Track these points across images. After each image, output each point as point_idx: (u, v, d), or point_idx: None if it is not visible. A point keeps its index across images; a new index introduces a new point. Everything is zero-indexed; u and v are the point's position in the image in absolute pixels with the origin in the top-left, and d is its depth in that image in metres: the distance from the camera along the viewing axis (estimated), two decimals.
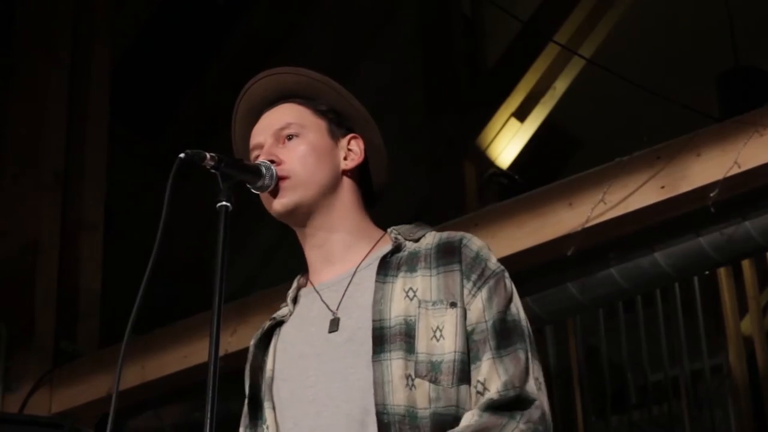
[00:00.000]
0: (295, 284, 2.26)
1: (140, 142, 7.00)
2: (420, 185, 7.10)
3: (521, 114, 6.91)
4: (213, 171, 2.09)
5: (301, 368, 2.11)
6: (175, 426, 5.08)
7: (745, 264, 5.44)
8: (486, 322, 2.05)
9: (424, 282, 2.09)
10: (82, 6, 5.74)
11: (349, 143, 2.25)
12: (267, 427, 2.14)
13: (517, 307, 2.11)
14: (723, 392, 5.67)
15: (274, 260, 7.35)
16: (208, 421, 1.93)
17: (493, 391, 1.99)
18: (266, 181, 2.16)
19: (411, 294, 2.08)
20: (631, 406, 6.02)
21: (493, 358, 2.02)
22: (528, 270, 4.06)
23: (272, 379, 2.15)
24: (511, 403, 1.99)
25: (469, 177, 6.80)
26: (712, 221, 3.95)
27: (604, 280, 4.21)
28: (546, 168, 7.21)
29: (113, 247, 5.67)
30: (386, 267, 2.12)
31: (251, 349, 2.24)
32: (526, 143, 7.04)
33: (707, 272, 5.09)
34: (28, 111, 5.47)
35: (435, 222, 4.66)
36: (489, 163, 6.87)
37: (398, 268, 2.12)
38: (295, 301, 2.23)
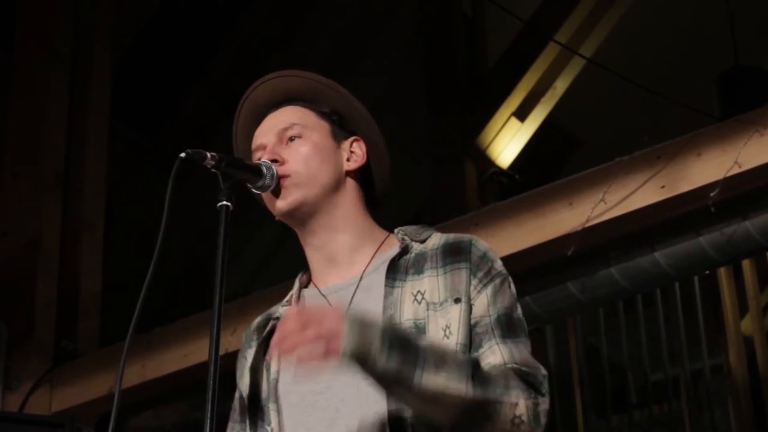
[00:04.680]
0: (296, 284, 2.25)
1: (141, 141, 7.00)
2: (420, 185, 7.10)
3: (522, 113, 6.90)
4: (213, 170, 2.09)
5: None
6: (176, 425, 5.08)
7: (746, 264, 5.44)
8: (490, 316, 2.07)
9: (431, 282, 2.10)
10: (82, 6, 5.73)
11: (351, 145, 2.25)
12: (271, 430, 2.13)
13: (521, 311, 2.13)
14: (723, 392, 5.66)
15: (274, 260, 7.35)
16: (209, 420, 1.94)
17: (510, 363, 2.02)
18: (267, 181, 2.15)
19: (419, 297, 2.09)
20: (631, 405, 6.02)
21: (497, 344, 2.04)
22: (528, 269, 4.06)
23: (276, 381, 2.15)
24: (527, 380, 2.01)
25: (470, 176, 6.79)
26: (712, 221, 3.95)
27: (605, 279, 4.22)
28: (546, 167, 7.21)
29: (113, 247, 5.67)
30: (395, 271, 2.12)
31: (249, 347, 2.22)
32: (527, 143, 7.04)
33: (707, 272, 5.09)
34: (28, 111, 5.47)
35: (436, 221, 4.66)
36: (489, 163, 6.87)
37: (406, 272, 2.12)
38: (298, 301, 2.22)
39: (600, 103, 7.56)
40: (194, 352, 4.64)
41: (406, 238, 2.19)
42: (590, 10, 6.82)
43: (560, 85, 6.93)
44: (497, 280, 2.11)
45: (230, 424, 2.22)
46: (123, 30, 6.26)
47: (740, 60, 6.89)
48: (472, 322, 2.07)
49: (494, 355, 2.03)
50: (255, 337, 2.23)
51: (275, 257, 7.34)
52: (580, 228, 3.94)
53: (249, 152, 2.27)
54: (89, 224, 5.43)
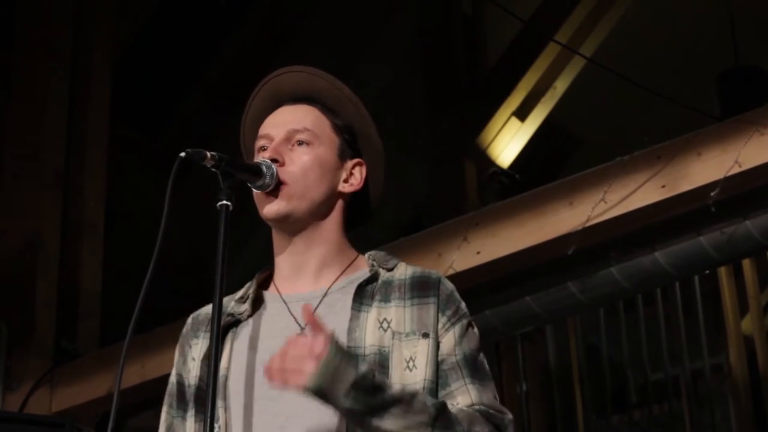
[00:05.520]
0: (254, 283, 2.24)
1: (141, 141, 7.00)
2: (420, 184, 7.10)
3: (522, 113, 6.91)
4: (213, 170, 2.09)
5: (263, 377, 2.09)
6: None
7: (746, 263, 5.44)
8: (456, 355, 2.10)
9: (398, 313, 2.12)
10: (82, 6, 5.73)
11: (353, 167, 2.26)
12: (219, 427, 2.10)
13: (483, 355, 2.17)
14: (723, 391, 5.67)
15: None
16: (208, 419, 1.94)
17: (478, 405, 2.06)
18: (266, 180, 2.15)
19: (385, 325, 2.11)
20: (631, 405, 6.02)
21: (465, 384, 2.08)
22: (528, 269, 4.05)
23: (226, 378, 2.13)
24: (493, 422, 2.04)
25: (470, 176, 6.80)
26: (712, 220, 3.95)
27: (605, 279, 4.22)
28: (546, 167, 7.21)
29: (113, 247, 5.67)
30: (362, 295, 2.14)
31: (194, 337, 2.21)
32: (527, 142, 7.04)
33: (708, 271, 5.09)
34: (28, 111, 5.47)
35: (436, 221, 4.66)
36: (489, 163, 6.87)
37: (373, 297, 2.14)
38: (254, 301, 2.21)
39: (600, 103, 7.56)
40: None
41: (375, 264, 2.21)
42: (590, 10, 6.83)
43: (560, 85, 6.93)
44: (464, 321, 2.14)
45: (166, 409, 2.21)
46: (123, 30, 6.26)
47: (740, 60, 6.89)
48: (439, 359, 2.10)
49: (463, 396, 2.07)
50: (204, 329, 2.22)
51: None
52: (580, 228, 3.94)
53: (255, 134, 2.26)
54: (89, 224, 5.43)
